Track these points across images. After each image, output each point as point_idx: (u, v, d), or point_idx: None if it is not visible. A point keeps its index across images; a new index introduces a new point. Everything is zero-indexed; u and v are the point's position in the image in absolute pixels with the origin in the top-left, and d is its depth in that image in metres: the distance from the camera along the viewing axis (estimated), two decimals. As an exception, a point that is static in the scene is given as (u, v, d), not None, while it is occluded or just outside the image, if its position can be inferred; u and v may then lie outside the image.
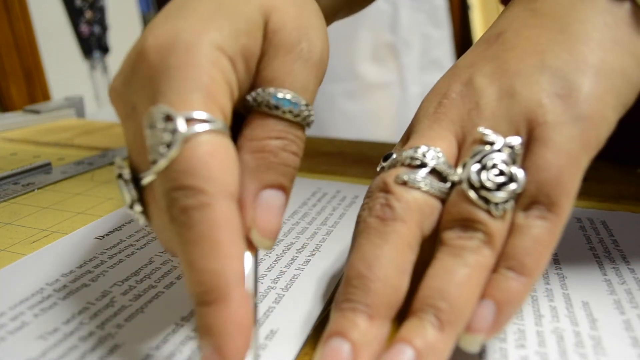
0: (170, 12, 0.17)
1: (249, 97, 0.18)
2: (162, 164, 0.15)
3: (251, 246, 0.17)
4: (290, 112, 0.17)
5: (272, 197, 0.17)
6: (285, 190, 0.18)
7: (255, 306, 0.16)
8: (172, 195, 0.15)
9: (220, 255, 0.14)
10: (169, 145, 0.15)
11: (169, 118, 0.15)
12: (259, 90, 0.17)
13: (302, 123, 0.18)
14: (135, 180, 0.17)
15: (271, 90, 0.17)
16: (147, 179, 0.16)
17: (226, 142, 0.16)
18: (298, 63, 0.18)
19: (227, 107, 0.17)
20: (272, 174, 0.17)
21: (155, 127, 0.15)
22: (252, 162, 0.17)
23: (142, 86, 0.16)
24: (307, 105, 0.18)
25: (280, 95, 0.17)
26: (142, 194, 0.17)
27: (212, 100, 0.16)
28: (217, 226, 0.15)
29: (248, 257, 0.17)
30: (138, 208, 0.17)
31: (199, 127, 0.15)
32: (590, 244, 0.25)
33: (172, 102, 0.15)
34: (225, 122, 0.16)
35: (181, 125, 0.15)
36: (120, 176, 0.17)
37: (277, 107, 0.17)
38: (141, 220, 0.18)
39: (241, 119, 0.18)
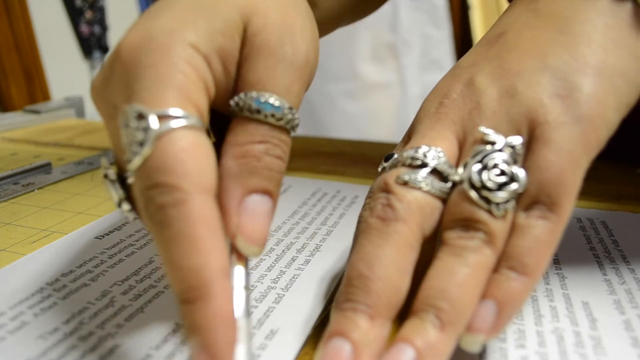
0: (149, 13, 0.17)
1: (231, 102, 0.17)
2: (136, 162, 0.15)
3: (239, 255, 0.17)
4: (272, 115, 0.17)
5: (257, 202, 0.17)
6: (271, 195, 0.17)
7: (248, 307, 0.16)
8: (148, 194, 0.15)
9: (199, 252, 0.14)
10: (142, 144, 0.15)
11: (141, 116, 0.15)
12: (241, 95, 0.17)
13: (286, 127, 0.17)
14: (122, 179, 0.17)
15: (253, 94, 0.17)
16: (131, 179, 0.16)
17: (201, 138, 0.16)
18: (281, 66, 0.17)
19: (203, 103, 0.16)
20: (256, 178, 0.17)
21: (129, 126, 0.15)
22: (235, 167, 0.17)
23: (119, 86, 0.16)
24: (290, 108, 0.17)
25: (262, 99, 0.17)
26: (129, 192, 0.17)
27: (185, 96, 0.16)
28: (194, 222, 0.14)
29: (239, 270, 0.16)
30: (126, 206, 0.17)
31: (173, 124, 0.15)
32: (590, 244, 0.25)
33: (144, 101, 0.15)
34: (200, 118, 0.16)
35: (153, 122, 0.15)
36: (106, 176, 0.17)
37: (259, 111, 0.17)
38: (130, 217, 0.18)
39: (226, 122, 0.18)
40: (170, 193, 0.15)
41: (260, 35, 0.17)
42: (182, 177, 0.15)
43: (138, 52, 0.16)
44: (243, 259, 0.17)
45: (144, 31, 0.16)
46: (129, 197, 0.17)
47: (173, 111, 0.15)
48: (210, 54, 0.17)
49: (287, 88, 0.17)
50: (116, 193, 0.17)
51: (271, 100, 0.17)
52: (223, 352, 0.14)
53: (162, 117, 0.15)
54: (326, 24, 0.32)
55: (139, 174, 0.15)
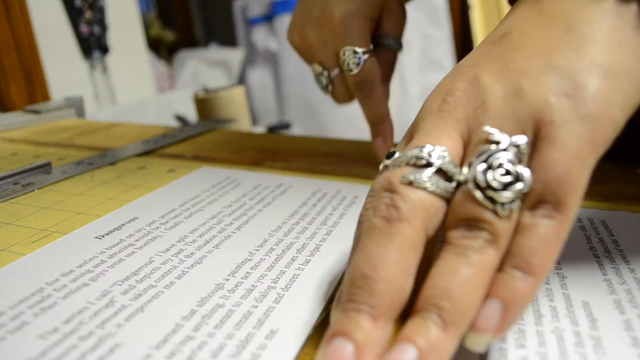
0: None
1: (382, 40, 0.36)
2: (354, 71, 0.34)
3: None
4: (396, 48, 0.36)
5: (388, 87, 0.37)
6: (389, 82, 0.37)
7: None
8: (358, 85, 0.35)
9: (382, 104, 0.36)
10: (357, 64, 0.34)
11: (355, 51, 0.34)
12: (385, 36, 0.36)
13: (398, 51, 0.37)
14: (326, 75, 0.36)
15: (389, 38, 0.36)
16: (334, 73, 0.36)
17: (376, 60, 0.35)
18: (399, 21, 0.36)
19: (370, 43, 0.35)
20: (388, 76, 0.37)
21: (349, 55, 0.34)
22: (382, 71, 0.36)
23: (332, 35, 0.34)
24: (401, 43, 0.37)
25: (393, 40, 0.36)
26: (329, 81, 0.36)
27: (367, 41, 0.34)
28: (379, 94, 0.35)
29: None
30: (330, 88, 0.37)
31: (366, 54, 0.34)
32: (590, 244, 0.25)
33: (354, 44, 0.34)
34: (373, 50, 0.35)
35: (361, 54, 0.34)
36: (319, 75, 0.37)
37: (391, 47, 0.36)
38: (329, 93, 0.37)
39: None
40: (369, 83, 0.35)
41: (390, 5, 0.35)
42: (374, 77, 0.35)
43: (345, 21, 0.34)
44: None
45: (342, 10, 0.34)
46: (331, 83, 0.36)
47: (366, 47, 0.34)
48: (372, 18, 0.34)
49: (400, 34, 0.37)
50: (325, 82, 0.36)
51: (396, 40, 0.36)
52: (390, 134, 0.36)
53: (361, 51, 0.34)
54: None
55: (354, 76, 0.34)
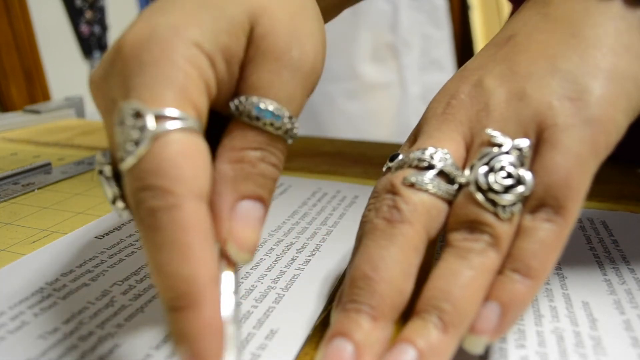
0: (153, 8, 0.17)
1: (231, 105, 0.17)
2: (129, 161, 0.15)
3: (229, 261, 0.16)
4: (271, 124, 0.17)
5: (249, 208, 0.17)
6: (264, 201, 0.17)
7: (238, 313, 0.16)
8: (139, 196, 0.14)
9: (190, 260, 0.14)
10: (137, 143, 0.15)
11: (138, 114, 0.15)
12: (242, 98, 0.17)
13: (283, 136, 0.17)
14: (118, 176, 0.16)
15: (254, 99, 0.17)
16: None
17: (198, 141, 0.15)
18: (286, 72, 0.17)
19: (202, 104, 0.16)
20: (249, 184, 0.17)
21: (125, 124, 0.15)
22: (229, 172, 0.16)
23: (118, 81, 0.16)
24: (290, 117, 0.17)
25: (262, 106, 0.16)
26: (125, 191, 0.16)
27: (185, 97, 0.15)
28: (186, 229, 0.14)
29: (228, 275, 0.16)
30: (120, 204, 0.16)
31: (170, 125, 0.15)
32: (590, 244, 0.25)
33: (143, 98, 0.15)
34: (199, 120, 0.16)
35: (150, 122, 0.15)
36: (101, 173, 0.17)
37: (258, 119, 0.16)
38: (124, 216, 0.17)
39: (225, 121, 0.18)
40: (162, 197, 0.14)
41: (268, 38, 0.17)
42: (175, 181, 0.14)
43: (139, 47, 0.16)
44: (233, 265, 0.16)
45: (147, 27, 0.16)
46: (124, 195, 0.16)
47: (171, 111, 0.15)
48: (214, 53, 0.16)
49: (289, 95, 0.17)
50: (111, 190, 0.16)
51: (271, 108, 0.17)
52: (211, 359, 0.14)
53: (160, 117, 0.15)
54: (334, 9, 0.34)
55: (131, 174, 0.15)
